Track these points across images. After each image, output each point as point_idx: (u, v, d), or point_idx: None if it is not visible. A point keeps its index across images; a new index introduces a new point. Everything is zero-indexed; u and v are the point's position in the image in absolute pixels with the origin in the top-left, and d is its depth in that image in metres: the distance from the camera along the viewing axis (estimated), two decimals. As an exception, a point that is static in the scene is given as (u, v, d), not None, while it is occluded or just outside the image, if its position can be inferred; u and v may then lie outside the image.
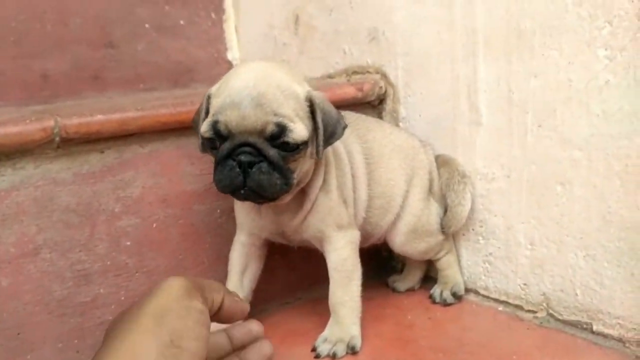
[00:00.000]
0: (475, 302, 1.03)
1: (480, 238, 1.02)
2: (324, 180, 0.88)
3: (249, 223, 0.94)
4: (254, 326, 0.75)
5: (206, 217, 1.01)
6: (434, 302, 1.03)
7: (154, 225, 0.96)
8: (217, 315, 0.67)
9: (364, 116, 1.04)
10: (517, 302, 0.98)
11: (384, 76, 1.12)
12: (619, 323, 0.85)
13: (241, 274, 0.96)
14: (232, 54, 1.54)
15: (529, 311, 0.97)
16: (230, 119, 0.77)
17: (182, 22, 1.48)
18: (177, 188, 0.97)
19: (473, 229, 1.03)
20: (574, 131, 0.85)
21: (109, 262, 0.92)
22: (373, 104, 1.15)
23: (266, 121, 0.76)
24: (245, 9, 1.48)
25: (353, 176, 0.93)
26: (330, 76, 1.23)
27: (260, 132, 0.77)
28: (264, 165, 0.77)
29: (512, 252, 0.97)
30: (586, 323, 0.89)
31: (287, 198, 0.85)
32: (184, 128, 0.96)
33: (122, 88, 1.40)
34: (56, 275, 0.87)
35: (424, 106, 1.06)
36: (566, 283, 0.91)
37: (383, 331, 0.94)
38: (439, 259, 1.04)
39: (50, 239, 0.87)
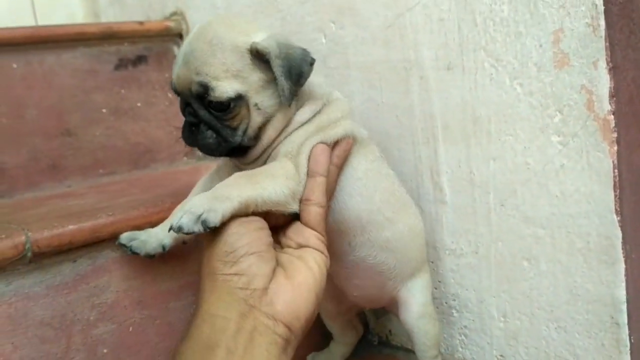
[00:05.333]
0: (454, 374, 1.05)
1: (454, 311, 1.05)
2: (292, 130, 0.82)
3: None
4: None
5: (182, 314, 1.00)
6: None
7: (130, 329, 0.94)
8: None
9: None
10: (495, 373, 1.01)
11: (347, 156, 1.15)
12: (594, 392, 0.89)
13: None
14: (191, 132, 1.55)
15: (507, 382, 0.99)
16: (172, 77, 0.81)
17: (139, 104, 1.49)
18: (152, 288, 0.96)
19: (446, 302, 1.06)
20: (535, 210, 0.90)
21: (86, 373, 0.90)
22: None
23: (190, 81, 0.78)
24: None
25: None
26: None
27: (190, 92, 0.79)
28: (203, 126, 0.79)
29: (486, 324, 1.00)
30: (563, 393, 0.92)
31: (255, 152, 0.83)
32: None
33: (81, 175, 1.40)
34: (34, 394, 0.85)
35: (388, 185, 1.10)
36: (541, 354, 0.94)
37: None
38: None
39: (27, 356, 0.85)
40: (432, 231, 1.05)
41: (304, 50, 0.82)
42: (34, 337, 0.86)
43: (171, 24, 1.52)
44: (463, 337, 1.05)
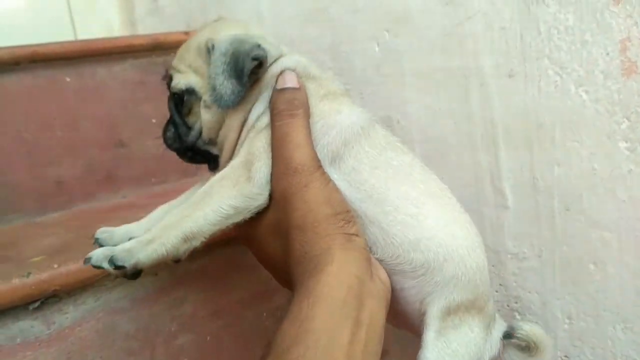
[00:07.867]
0: (517, 374, 1.07)
1: (517, 314, 1.07)
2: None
3: None
4: None
5: (254, 322, 1.03)
6: None
7: (208, 338, 0.98)
8: None
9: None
10: (560, 373, 1.03)
11: (403, 162, 1.18)
12: (664, 391, 0.91)
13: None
14: (237, 139, 1.57)
15: (572, 381, 1.02)
16: None
17: (186, 113, 1.52)
18: (226, 298, 1.00)
19: (508, 305, 1.08)
20: (602, 214, 0.92)
21: (169, 382, 0.94)
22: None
23: (168, 75, 0.82)
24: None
25: None
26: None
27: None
28: (170, 120, 0.83)
29: (550, 326, 1.03)
30: (632, 392, 0.95)
31: (222, 162, 0.78)
32: (230, 239, 0.99)
33: (134, 185, 1.43)
34: (123, 405, 0.89)
35: (446, 190, 1.12)
36: (607, 354, 0.96)
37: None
38: None
39: (114, 369, 0.89)
40: (493, 235, 1.07)
41: (255, 45, 0.74)
42: (121, 350, 0.89)
43: (215, 33, 1.54)
44: (526, 337, 1.07)
